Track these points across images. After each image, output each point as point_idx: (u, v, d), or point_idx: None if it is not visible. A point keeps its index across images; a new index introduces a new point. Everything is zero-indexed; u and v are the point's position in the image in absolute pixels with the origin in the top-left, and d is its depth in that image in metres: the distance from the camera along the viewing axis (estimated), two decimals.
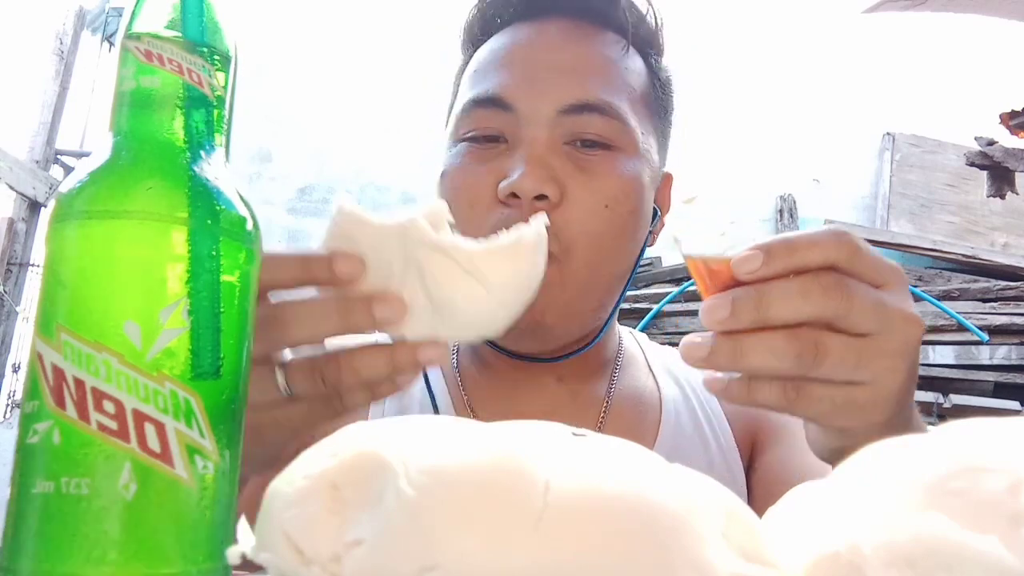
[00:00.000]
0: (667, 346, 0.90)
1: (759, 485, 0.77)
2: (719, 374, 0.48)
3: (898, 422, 0.48)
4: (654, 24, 0.78)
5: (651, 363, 0.84)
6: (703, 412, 0.80)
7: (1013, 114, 2.67)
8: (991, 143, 2.88)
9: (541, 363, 0.75)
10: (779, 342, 0.44)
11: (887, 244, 4.08)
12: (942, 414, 3.17)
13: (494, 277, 0.44)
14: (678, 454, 0.74)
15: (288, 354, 0.48)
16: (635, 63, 0.75)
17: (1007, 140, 2.84)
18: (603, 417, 0.76)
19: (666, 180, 0.80)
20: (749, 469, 0.79)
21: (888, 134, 5.04)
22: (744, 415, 0.81)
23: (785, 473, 0.75)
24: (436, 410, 0.76)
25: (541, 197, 0.66)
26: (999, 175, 2.88)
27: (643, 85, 0.75)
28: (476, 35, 0.78)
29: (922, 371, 3.47)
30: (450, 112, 0.80)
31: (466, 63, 0.79)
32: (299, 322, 0.45)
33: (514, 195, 0.67)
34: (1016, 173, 2.85)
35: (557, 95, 0.69)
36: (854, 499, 0.24)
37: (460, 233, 0.71)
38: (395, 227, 0.44)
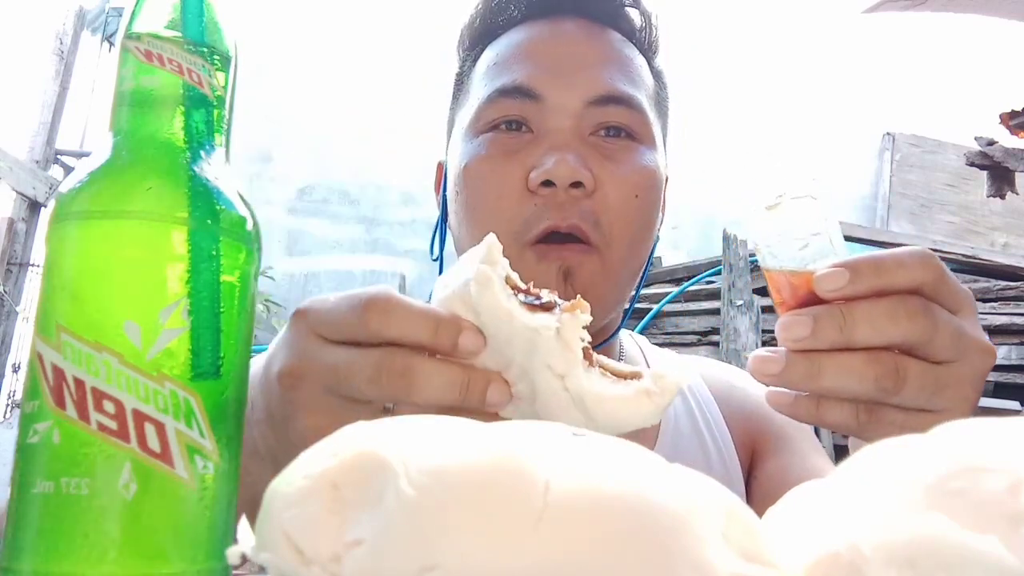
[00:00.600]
0: (666, 348, 0.90)
1: (759, 492, 0.77)
2: (783, 390, 0.47)
3: None
4: (653, 27, 0.79)
5: (651, 366, 0.84)
6: (702, 417, 0.80)
7: (1013, 114, 2.67)
8: (991, 143, 2.88)
9: None
10: (859, 365, 0.42)
11: (887, 244, 4.08)
12: None
13: (607, 422, 0.42)
14: (676, 459, 0.72)
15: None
16: (643, 61, 0.77)
17: (1007, 140, 2.84)
18: None
19: (665, 181, 0.81)
20: (749, 476, 0.78)
21: (888, 134, 5.04)
22: (744, 421, 0.81)
23: (787, 482, 0.74)
24: None
25: (576, 185, 0.66)
26: (999, 175, 2.89)
27: (651, 83, 0.77)
28: (482, 34, 0.78)
29: None
30: (455, 111, 0.80)
31: (471, 62, 0.79)
32: (428, 384, 0.43)
33: (546, 184, 0.66)
34: (1016, 173, 2.86)
35: (584, 87, 0.69)
36: (854, 499, 0.24)
37: (485, 228, 0.66)
38: (527, 330, 0.42)
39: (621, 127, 0.70)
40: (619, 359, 0.82)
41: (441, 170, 0.83)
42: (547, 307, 0.43)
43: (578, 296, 0.43)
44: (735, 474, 0.77)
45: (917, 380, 0.43)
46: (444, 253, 0.79)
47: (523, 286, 0.44)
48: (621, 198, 0.68)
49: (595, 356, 0.43)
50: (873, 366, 0.42)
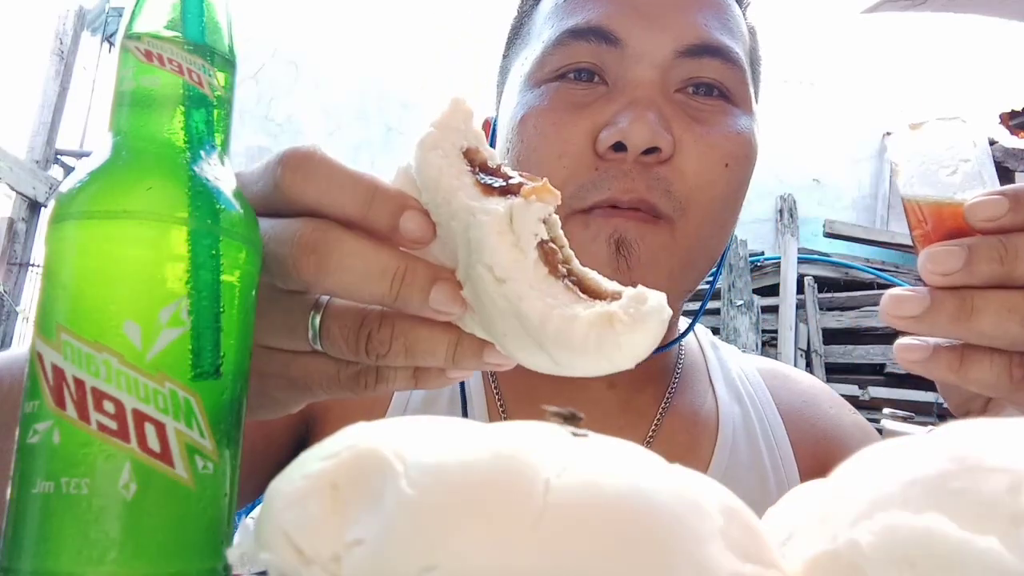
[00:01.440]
0: (731, 346, 0.79)
1: None
2: (918, 340, 0.39)
3: None
4: None
5: (711, 372, 0.73)
6: (764, 438, 0.68)
7: (1013, 114, 2.67)
8: (991, 143, 2.88)
9: None
10: (1022, 303, 0.35)
11: (887, 244, 4.08)
12: (942, 414, 3.17)
13: (561, 354, 0.33)
14: (730, 486, 0.66)
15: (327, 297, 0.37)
16: (739, 11, 0.65)
17: (1007, 140, 2.84)
18: (652, 434, 0.66)
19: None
20: None
21: (888, 134, 5.04)
22: (813, 443, 0.69)
23: None
24: (465, 409, 0.67)
25: (652, 150, 0.55)
26: (999, 175, 2.89)
27: (747, 38, 0.65)
28: None
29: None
30: (509, 60, 0.68)
31: (533, 3, 0.66)
32: (347, 266, 0.34)
33: (618, 147, 0.56)
34: (1016, 173, 2.86)
35: (675, 32, 0.58)
36: (854, 499, 0.24)
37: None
38: (466, 213, 0.33)
39: (715, 84, 0.59)
40: (677, 364, 0.70)
41: (488, 128, 0.71)
42: (510, 191, 0.33)
43: (544, 180, 0.34)
44: None
45: None
46: None
47: (493, 165, 0.35)
48: (707, 165, 0.57)
49: (566, 264, 0.34)
50: None
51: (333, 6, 5.11)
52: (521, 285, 0.32)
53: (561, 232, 0.34)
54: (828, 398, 0.75)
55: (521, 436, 0.26)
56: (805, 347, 3.60)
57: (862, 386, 3.52)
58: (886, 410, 3.12)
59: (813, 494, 0.28)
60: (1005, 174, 2.96)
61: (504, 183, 0.33)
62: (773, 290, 3.71)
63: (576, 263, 0.34)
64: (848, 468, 0.27)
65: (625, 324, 0.31)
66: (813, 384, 0.76)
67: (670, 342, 0.68)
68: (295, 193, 0.35)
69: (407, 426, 0.27)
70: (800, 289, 3.71)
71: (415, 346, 0.36)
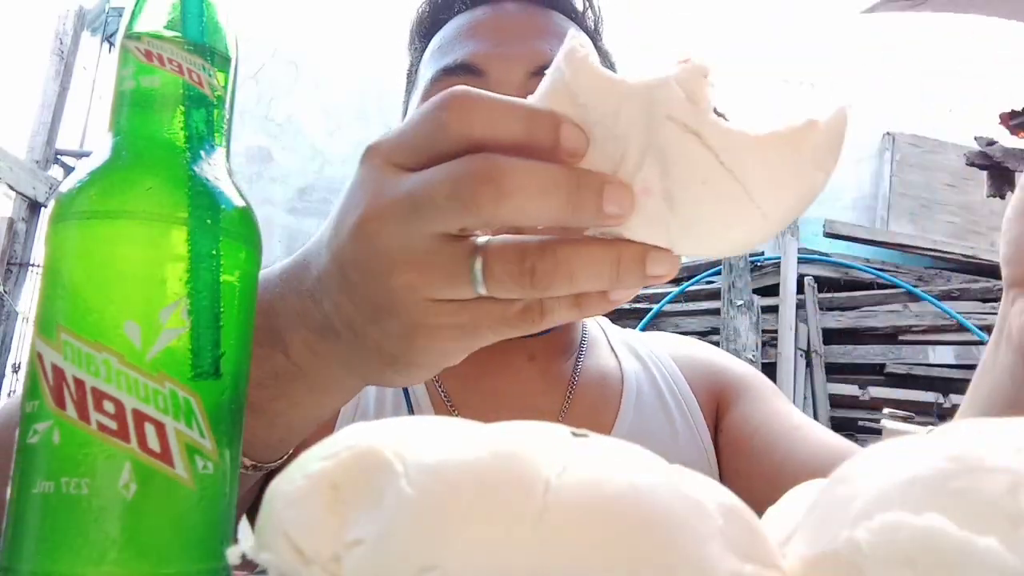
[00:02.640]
0: (628, 329, 0.94)
1: (726, 444, 0.78)
2: None
3: None
4: (596, 7, 0.81)
5: (612, 343, 0.86)
6: (665, 383, 0.82)
7: (1013, 114, 2.67)
8: (991, 143, 2.88)
9: (519, 341, 0.74)
10: None
11: (887, 244, 4.08)
12: (942, 414, 3.17)
13: (761, 179, 0.32)
14: (641, 425, 0.77)
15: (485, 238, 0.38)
16: (587, 39, 0.78)
17: (1007, 140, 2.84)
18: (570, 394, 0.78)
19: None
20: (716, 432, 0.80)
21: (888, 134, 5.04)
22: (705, 382, 0.83)
23: (750, 426, 0.77)
24: (411, 408, 0.76)
25: None
26: (999, 175, 2.89)
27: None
28: (428, 28, 0.80)
29: (922, 371, 3.48)
30: (407, 104, 0.82)
31: (419, 54, 0.81)
32: (522, 192, 0.35)
33: None
34: (1016, 173, 2.86)
35: (526, 59, 0.70)
36: (854, 499, 0.24)
37: None
38: (640, 88, 0.33)
39: None
40: (583, 338, 0.84)
41: None
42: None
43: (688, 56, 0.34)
44: (703, 434, 0.79)
45: None
46: None
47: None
48: None
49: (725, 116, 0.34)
50: None
51: (333, 6, 5.11)
52: (716, 122, 0.32)
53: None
54: (711, 349, 0.91)
55: (521, 436, 0.26)
56: (805, 347, 3.59)
57: (862, 386, 3.52)
58: (886, 410, 3.12)
59: (813, 494, 0.28)
60: (1005, 174, 2.95)
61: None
62: (773, 290, 3.71)
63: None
64: (848, 468, 0.27)
65: (828, 126, 0.32)
66: (704, 343, 0.93)
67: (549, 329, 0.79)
68: (463, 129, 0.36)
69: (407, 426, 0.27)
70: (800, 289, 3.71)
71: (579, 271, 0.36)
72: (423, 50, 0.80)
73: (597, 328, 0.89)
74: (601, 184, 0.35)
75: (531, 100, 0.37)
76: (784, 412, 0.77)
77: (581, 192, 0.35)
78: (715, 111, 0.33)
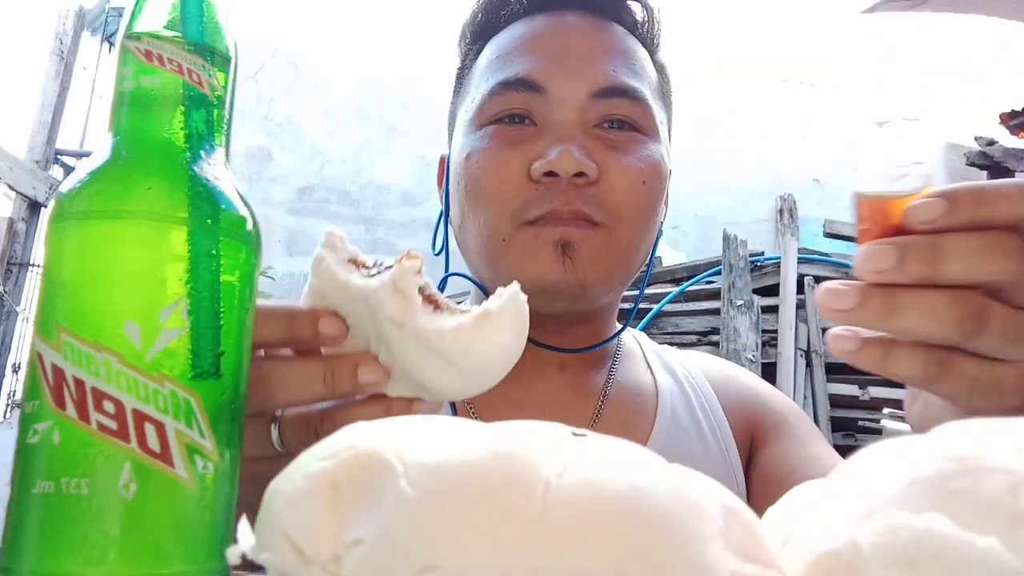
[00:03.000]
0: (664, 344, 0.91)
1: (759, 480, 0.76)
2: (849, 331, 0.43)
3: None
4: (655, 20, 0.80)
5: (648, 358, 0.85)
6: (700, 406, 0.80)
7: (1013, 114, 2.68)
8: (991, 143, 2.88)
9: (552, 351, 0.74)
10: (943, 304, 0.38)
11: None
12: None
13: (464, 358, 0.41)
14: (674, 445, 0.74)
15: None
16: (646, 54, 0.78)
17: (1007, 140, 2.84)
18: (600, 407, 0.77)
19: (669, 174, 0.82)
20: (748, 464, 0.78)
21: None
22: (742, 409, 0.80)
23: (786, 467, 0.74)
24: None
25: (580, 175, 0.67)
26: (999, 175, 2.89)
27: (655, 76, 0.78)
28: (484, 28, 0.79)
29: None
30: (456, 106, 0.81)
31: (472, 57, 0.79)
32: (286, 385, 0.43)
33: (549, 174, 0.67)
34: (1016, 173, 2.86)
35: (588, 79, 0.70)
36: (854, 499, 0.24)
37: (486, 212, 0.69)
38: (361, 293, 0.42)
39: (625, 119, 0.71)
40: (616, 351, 0.82)
41: (443, 164, 0.83)
42: (387, 268, 0.43)
43: (408, 251, 0.43)
44: (734, 461, 0.77)
45: (999, 325, 0.39)
46: (448, 248, 0.79)
47: (370, 262, 0.45)
48: (628, 184, 0.69)
49: (445, 302, 0.42)
50: (957, 306, 0.38)
51: (333, 6, 5.11)
52: (417, 320, 0.41)
53: (430, 280, 0.43)
54: (750, 375, 0.89)
55: (521, 436, 0.26)
56: (805, 347, 3.59)
57: (862, 386, 3.52)
58: (886, 410, 3.12)
59: (813, 494, 0.28)
60: (1005, 174, 2.95)
61: (380, 267, 0.43)
62: (773, 290, 3.71)
63: (446, 300, 0.44)
64: (848, 468, 0.27)
65: (498, 309, 0.41)
66: (738, 366, 0.92)
67: (613, 335, 0.79)
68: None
69: (407, 426, 0.27)
70: (800, 289, 3.71)
71: (356, 421, 0.43)
72: (477, 52, 0.79)
73: (633, 342, 0.87)
74: (354, 366, 0.43)
75: (302, 298, 0.46)
76: (824, 459, 0.74)
77: (337, 379, 0.43)
78: (425, 297, 0.42)
